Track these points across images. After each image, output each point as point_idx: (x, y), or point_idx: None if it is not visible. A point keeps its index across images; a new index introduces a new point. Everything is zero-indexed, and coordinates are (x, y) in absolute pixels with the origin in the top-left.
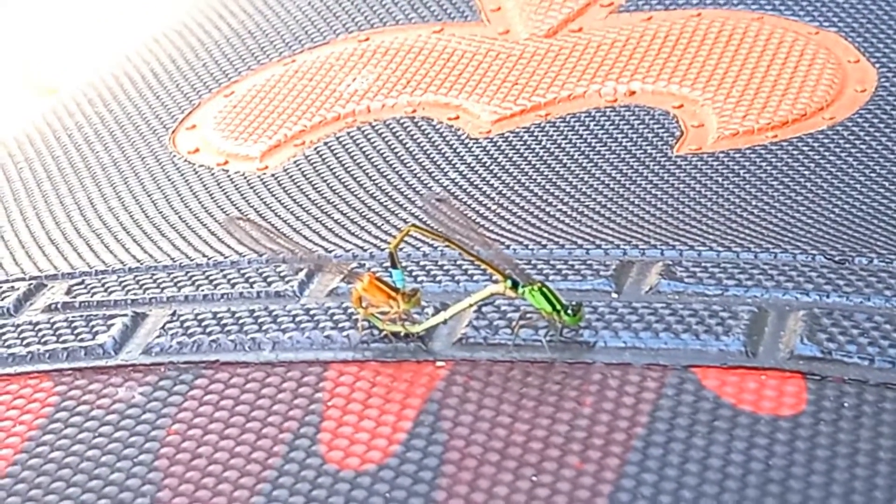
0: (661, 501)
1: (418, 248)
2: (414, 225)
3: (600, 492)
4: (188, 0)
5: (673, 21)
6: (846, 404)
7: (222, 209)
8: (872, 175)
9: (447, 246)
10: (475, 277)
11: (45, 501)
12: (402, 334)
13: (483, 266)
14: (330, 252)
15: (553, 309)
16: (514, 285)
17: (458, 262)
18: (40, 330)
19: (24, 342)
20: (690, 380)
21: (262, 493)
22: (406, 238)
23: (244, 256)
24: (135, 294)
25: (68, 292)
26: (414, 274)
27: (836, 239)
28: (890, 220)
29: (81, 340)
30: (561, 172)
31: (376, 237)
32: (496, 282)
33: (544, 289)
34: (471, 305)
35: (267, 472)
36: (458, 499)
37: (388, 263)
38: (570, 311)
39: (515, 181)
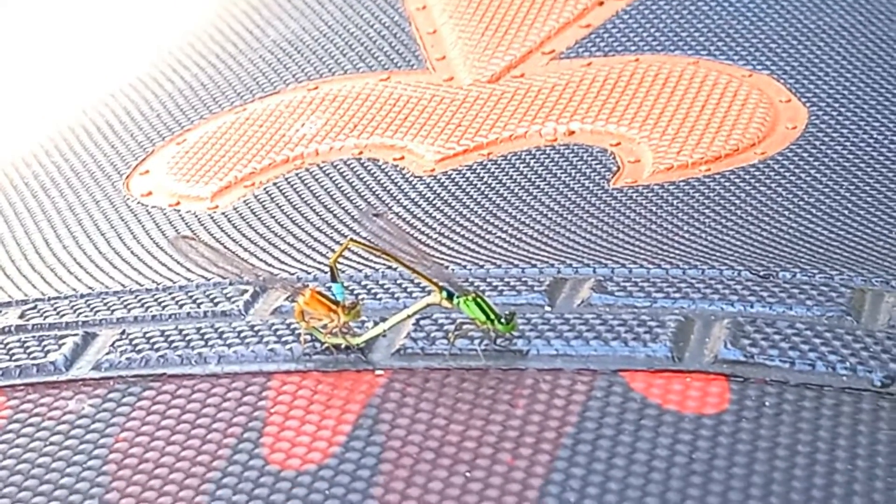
0: (589, 493)
1: (360, 270)
2: (352, 239)
3: (531, 485)
4: (137, 55)
5: (612, 66)
6: (767, 403)
7: None
8: (800, 203)
9: (384, 258)
10: (413, 294)
11: None
12: (342, 346)
13: (419, 279)
14: (275, 275)
15: (487, 318)
16: (450, 296)
17: (398, 281)
18: None
19: None
20: (619, 383)
21: (207, 492)
22: (347, 255)
23: (192, 281)
24: (86, 316)
25: (21, 316)
26: (355, 292)
27: (761, 256)
28: (815, 240)
29: (34, 358)
30: (501, 205)
31: (320, 263)
32: (431, 293)
33: (478, 299)
34: (409, 316)
35: (211, 473)
36: (395, 493)
37: (329, 277)
38: (503, 320)
39: (457, 213)
